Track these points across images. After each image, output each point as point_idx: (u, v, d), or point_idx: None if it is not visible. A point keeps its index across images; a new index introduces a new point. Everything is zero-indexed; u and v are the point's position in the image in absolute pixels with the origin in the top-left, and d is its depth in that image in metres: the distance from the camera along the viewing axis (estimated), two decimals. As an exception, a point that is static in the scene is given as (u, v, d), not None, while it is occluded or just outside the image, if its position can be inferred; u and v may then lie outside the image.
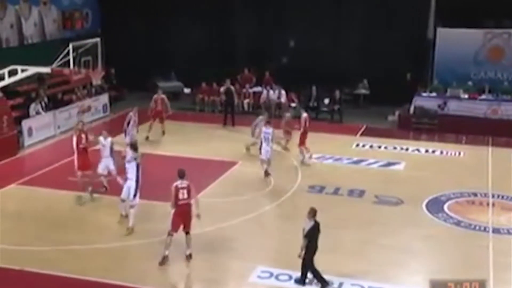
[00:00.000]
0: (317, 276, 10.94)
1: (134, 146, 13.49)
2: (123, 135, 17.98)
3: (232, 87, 22.62)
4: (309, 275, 10.98)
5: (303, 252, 10.80)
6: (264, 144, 16.44)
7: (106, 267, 11.66)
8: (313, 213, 10.89)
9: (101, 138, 15.03)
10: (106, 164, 14.91)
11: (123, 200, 13.30)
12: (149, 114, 20.25)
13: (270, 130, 16.54)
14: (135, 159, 13.07)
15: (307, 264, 10.88)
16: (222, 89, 22.76)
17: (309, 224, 10.83)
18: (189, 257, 11.68)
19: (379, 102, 24.45)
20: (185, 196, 11.58)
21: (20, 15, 22.88)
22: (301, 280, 11.00)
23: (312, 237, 10.80)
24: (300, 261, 10.84)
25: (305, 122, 17.87)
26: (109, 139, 15.08)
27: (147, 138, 19.71)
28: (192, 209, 11.69)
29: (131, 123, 18.13)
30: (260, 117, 18.26)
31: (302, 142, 17.83)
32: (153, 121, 20.30)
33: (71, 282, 11.08)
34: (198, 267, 11.74)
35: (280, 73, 24.95)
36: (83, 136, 14.79)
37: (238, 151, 18.66)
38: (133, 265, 11.79)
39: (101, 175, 15.00)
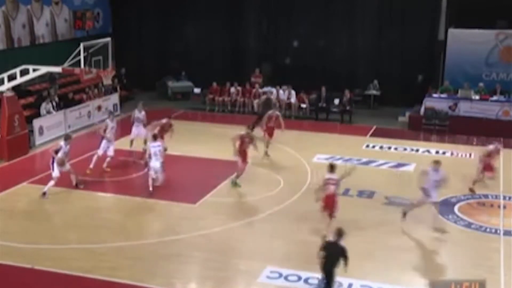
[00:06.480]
0: None
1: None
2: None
3: (272, 97, 21.87)
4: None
5: None
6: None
7: (116, 265, 11.70)
8: None
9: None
10: None
11: None
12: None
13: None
14: None
15: None
16: (262, 97, 21.92)
17: None
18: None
19: (389, 103, 24.44)
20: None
21: (32, 15, 23.03)
22: None
23: None
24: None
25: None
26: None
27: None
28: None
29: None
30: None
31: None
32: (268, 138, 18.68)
33: (80, 281, 11.12)
34: (208, 267, 11.74)
35: (289, 73, 24.92)
36: None
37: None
38: (142, 264, 11.81)
39: None
